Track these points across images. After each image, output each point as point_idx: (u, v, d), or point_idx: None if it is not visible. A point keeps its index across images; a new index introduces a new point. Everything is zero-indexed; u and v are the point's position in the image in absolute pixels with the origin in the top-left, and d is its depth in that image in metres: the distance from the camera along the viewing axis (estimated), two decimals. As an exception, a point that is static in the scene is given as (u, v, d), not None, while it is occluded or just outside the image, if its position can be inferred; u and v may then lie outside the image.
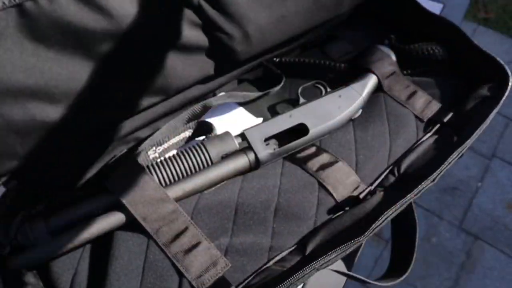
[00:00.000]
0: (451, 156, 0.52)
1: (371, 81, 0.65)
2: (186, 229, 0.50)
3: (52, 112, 0.48)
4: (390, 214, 0.47)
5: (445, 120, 0.62)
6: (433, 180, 0.51)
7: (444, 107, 0.64)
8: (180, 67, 0.57)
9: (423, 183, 0.50)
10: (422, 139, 0.62)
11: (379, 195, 0.56)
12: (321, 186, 0.57)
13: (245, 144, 0.58)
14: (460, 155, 0.55)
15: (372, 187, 0.58)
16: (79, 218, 0.50)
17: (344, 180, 0.57)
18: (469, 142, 0.54)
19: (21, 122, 0.46)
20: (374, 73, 0.65)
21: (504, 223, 1.37)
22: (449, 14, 0.88)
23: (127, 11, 0.47)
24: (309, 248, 0.51)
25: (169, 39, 0.53)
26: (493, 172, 1.47)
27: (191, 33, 0.55)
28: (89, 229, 0.49)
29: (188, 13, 0.53)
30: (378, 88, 0.66)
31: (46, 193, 0.53)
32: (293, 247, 0.53)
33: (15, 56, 0.42)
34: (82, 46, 0.46)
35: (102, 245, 0.50)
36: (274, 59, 0.69)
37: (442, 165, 0.52)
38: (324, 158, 0.59)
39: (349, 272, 0.46)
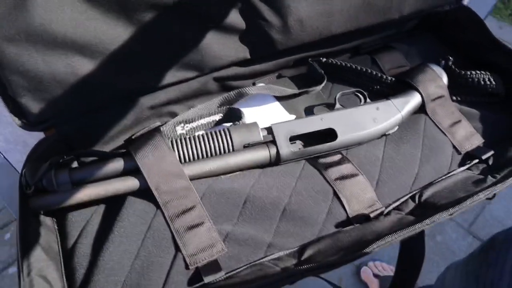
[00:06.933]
0: (476, 195, 0.49)
1: (414, 100, 0.62)
2: (193, 207, 0.52)
3: (93, 68, 0.52)
4: (392, 240, 0.46)
5: (484, 157, 0.58)
6: (451, 214, 0.49)
7: (486, 143, 0.60)
8: (216, 46, 0.58)
9: (438, 215, 0.48)
10: (454, 172, 0.58)
11: (392, 218, 0.55)
12: (336, 196, 0.56)
13: (270, 137, 0.58)
14: (488, 196, 0.51)
15: (387, 209, 0.56)
16: (99, 176, 0.53)
17: (360, 195, 0.56)
18: (500, 187, 0.50)
19: (64, 73, 0.51)
20: (419, 92, 0.62)
21: (513, 234, 1.29)
22: (474, 10, 0.82)
23: None
24: (307, 254, 0.51)
25: (209, 16, 0.54)
26: (512, 184, 1.39)
27: (230, 15, 0.55)
28: (106, 187, 0.52)
29: None
30: (421, 109, 0.63)
31: (77, 147, 0.57)
32: (292, 249, 0.53)
33: (66, 12, 0.47)
34: (125, 11, 0.49)
35: (114, 205, 0.53)
36: (321, 58, 0.68)
37: (464, 202, 0.49)
38: (346, 168, 0.58)
39: (336, 284, 0.45)
